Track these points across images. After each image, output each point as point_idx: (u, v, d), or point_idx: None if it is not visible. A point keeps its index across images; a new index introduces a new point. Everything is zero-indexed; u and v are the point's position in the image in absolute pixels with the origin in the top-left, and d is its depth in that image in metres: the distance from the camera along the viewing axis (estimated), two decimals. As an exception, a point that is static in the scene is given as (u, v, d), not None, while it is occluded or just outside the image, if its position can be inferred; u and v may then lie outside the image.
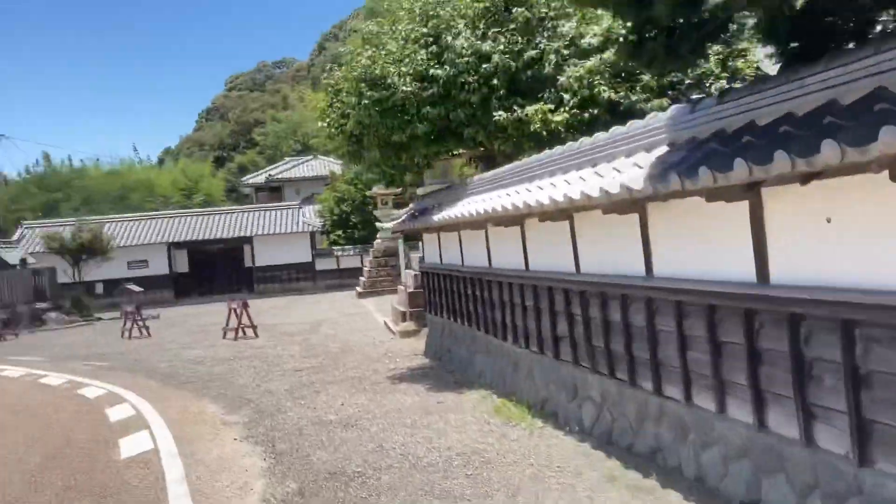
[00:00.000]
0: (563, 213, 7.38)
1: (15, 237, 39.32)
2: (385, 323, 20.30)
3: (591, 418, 7.74)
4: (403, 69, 11.41)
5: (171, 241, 40.33)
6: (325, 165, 52.07)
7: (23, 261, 30.91)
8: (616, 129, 7.06)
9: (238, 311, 20.70)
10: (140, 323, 23.65)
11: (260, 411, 11.18)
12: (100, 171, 71.21)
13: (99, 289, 37.73)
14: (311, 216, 43.47)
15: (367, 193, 34.89)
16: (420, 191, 20.12)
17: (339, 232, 42.75)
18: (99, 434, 10.65)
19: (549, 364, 8.81)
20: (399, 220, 14.14)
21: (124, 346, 21.28)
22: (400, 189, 36.29)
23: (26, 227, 41.59)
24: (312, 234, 41.99)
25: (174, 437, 9.94)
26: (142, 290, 30.05)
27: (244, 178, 57.42)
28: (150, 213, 44.82)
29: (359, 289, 32.40)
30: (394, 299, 27.38)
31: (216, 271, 41.58)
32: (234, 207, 46.27)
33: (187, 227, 41.37)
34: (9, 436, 11.03)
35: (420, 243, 18.72)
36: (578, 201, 6.42)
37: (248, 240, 41.14)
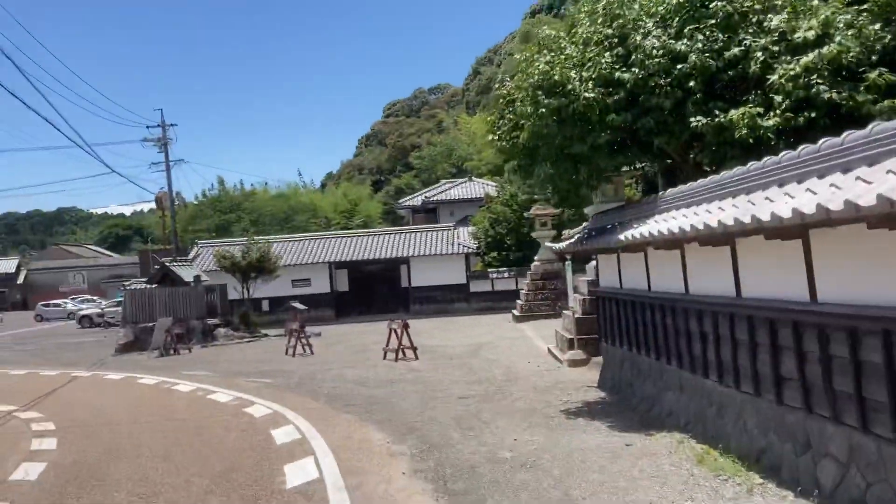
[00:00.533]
0: (794, 230, 6.09)
1: (191, 255, 41.59)
2: (549, 350, 19.18)
3: (832, 480, 6.31)
4: (585, 74, 10.39)
5: (332, 260, 41.19)
6: (479, 187, 51.81)
7: (196, 277, 32.32)
8: (854, 133, 5.74)
9: (398, 332, 20.29)
10: (304, 340, 23.85)
11: (427, 442, 10.41)
12: (268, 194, 75.00)
13: (265, 306, 39.07)
14: (465, 238, 43.12)
15: (525, 214, 34.01)
16: (589, 210, 18.96)
17: (494, 254, 42.07)
18: (265, 458, 10.25)
19: (769, 409, 7.41)
20: (570, 241, 13.07)
21: (288, 364, 21.41)
22: (559, 210, 35.22)
23: (201, 246, 43.95)
24: (467, 256, 41.59)
25: (340, 468, 9.33)
26: (306, 308, 30.55)
27: (401, 201, 58.27)
28: (314, 234, 46.14)
29: (515, 312, 31.45)
30: (555, 324, 26.19)
31: (374, 291, 42.04)
32: (391, 229, 46.83)
33: (348, 248, 42.17)
34: (179, 455, 10.87)
35: (592, 266, 17.53)
36: (814, 216, 5.19)
37: (405, 260, 41.33)
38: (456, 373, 17.06)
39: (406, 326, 20.19)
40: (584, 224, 14.52)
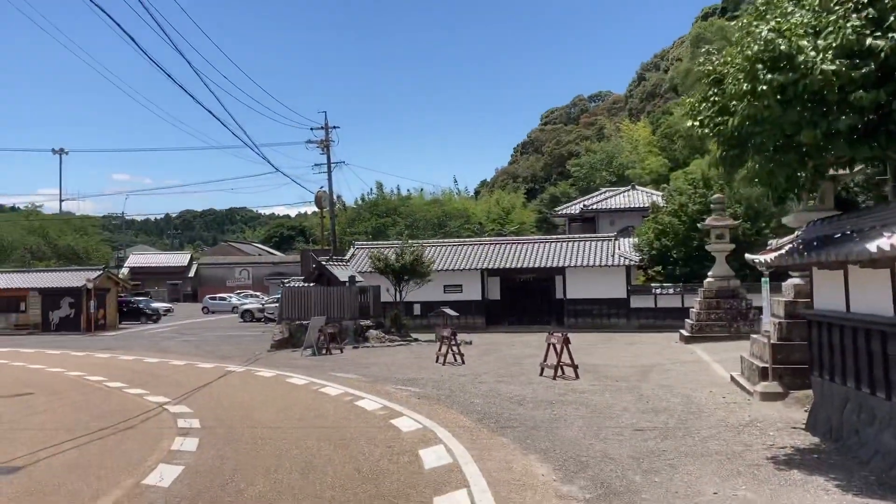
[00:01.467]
0: None
1: (347, 256, 41.70)
2: (732, 378, 16.75)
3: None
4: (822, 42, 8.28)
5: (485, 267, 39.94)
6: (643, 196, 48.98)
7: (351, 278, 31.99)
8: None
9: (558, 346, 18.52)
10: (454, 348, 22.59)
11: (602, 484, 8.64)
12: (423, 199, 75.39)
13: (416, 310, 38.42)
14: (627, 249, 40.57)
15: (699, 225, 31.19)
16: (788, 220, 16.41)
17: (658, 268, 39.29)
18: (412, 485, 8.87)
19: None
20: (780, 252, 10.83)
21: (438, 373, 20.17)
22: (738, 221, 32.11)
23: (357, 247, 44.07)
24: (628, 269, 39.01)
25: (499, 509, 7.78)
26: (457, 314, 29.41)
27: (557, 209, 56.28)
28: (467, 240, 45.15)
29: (684, 332, 28.76)
30: (731, 347, 23.46)
31: (526, 300, 40.36)
32: (547, 237, 44.96)
33: (501, 255, 40.79)
34: (319, 472, 9.72)
35: (791, 284, 15.05)
36: None
37: (561, 270, 39.37)
38: (625, 398, 15.07)
39: (567, 341, 18.39)
40: (795, 233, 12.21)
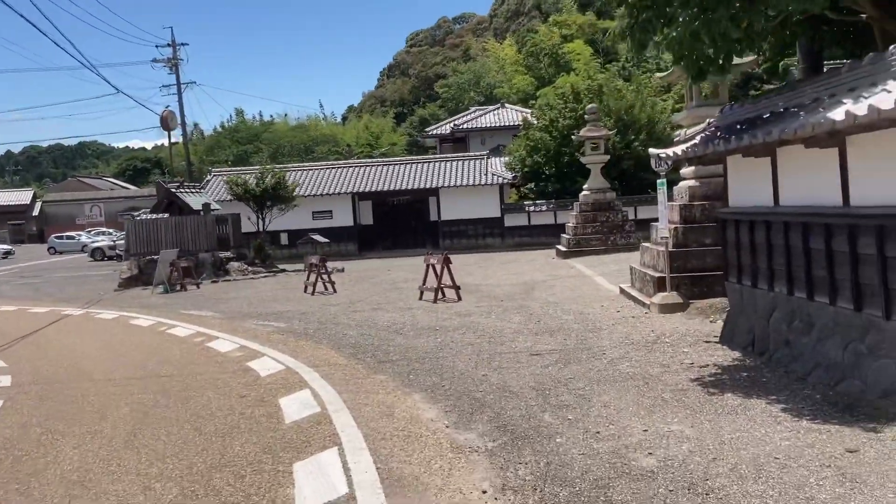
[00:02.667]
0: None
1: (203, 185, 37.99)
2: (622, 290, 15.54)
3: None
4: None
5: (355, 191, 37.49)
6: (513, 114, 47.61)
7: (206, 206, 28.79)
8: None
9: (438, 268, 16.72)
10: (325, 277, 20.38)
11: (506, 428, 6.88)
12: (287, 125, 71.32)
13: (283, 239, 35.67)
14: (499, 168, 39.20)
15: (573, 136, 29.94)
16: (680, 117, 15.08)
17: (531, 185, 38.20)
18: (268, 449, 6.78)
19: None
20: (692, 144, 9.25)
21: (307, 304, 17.97)
22: (613, 131, 31.12)
23: (214, 175, 40.37)
24: (501, 187, 37.71)
25: (380, 474, 5.85)
26: (327, 241, 27.14)
27: (427, 129, 54.10)
28: (335, 163, 42.36)
29: (560, 247, 27.73)
30: (611, 260, 22.53)
31: (400, 224, 38.40)
32: (418, 158, 42.78)
33: (372, 178, 38.41)
34: (149, 438, 7.44)
35: (685, 187, 13.78)
36: None
37: (434, 192, 37.54)
38: (515, 318, 13.48)
39: (447, 261, 16.60)
40: (707, 122, 10.71)
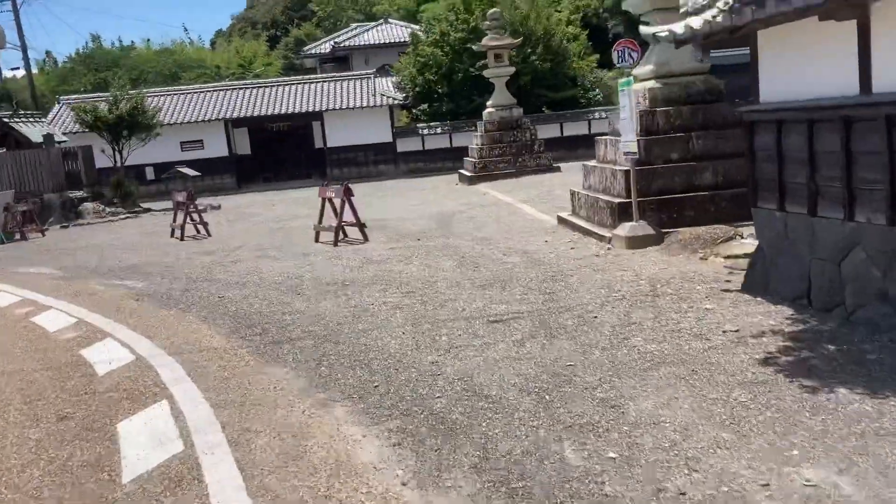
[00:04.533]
0: None
1: (49, 117, 32.15)
2: (562, 220, 12.73)
3: None
4: None
5: (229, 117, 32.81)
6: (399, 30, 43.48)
7: (48, 137, 23.75)
8: None
9: (337, 202, 13.35)
10: (196, 217, 16.53)
11: (518, 496, 3.88)
12: (150, 50, 63.97)
13: (149, 174, 30.78)
14: (388, 88, 35.42)
15: (474, 47, 26.51)
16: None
17: (424, 106, 34.76)
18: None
19: None
20: (720, 11, 6.23)
21: (174, 253, 14.22)
22: (519, 39, 27.91)
23: (63, 104, 34.44)
24: (391, 109, 34.06)
25: None
26: (198, 174, 23.00)
27: (306, 48, 49.06)
28: (204, 86, 37.16)
29: (465, 172, 24.69)
30: (524, 184, 19.75)
31: (282, 153, 34.18)
32: (298, 78, 38.09)
33: (247, 102, 33.73)
34: None
35: (664, 88, 10.95)
36: None
37: (318, 116, 33.40)
38: (444, 264, 10.38)
39: (349, 193, 13.22)
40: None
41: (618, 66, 9.57)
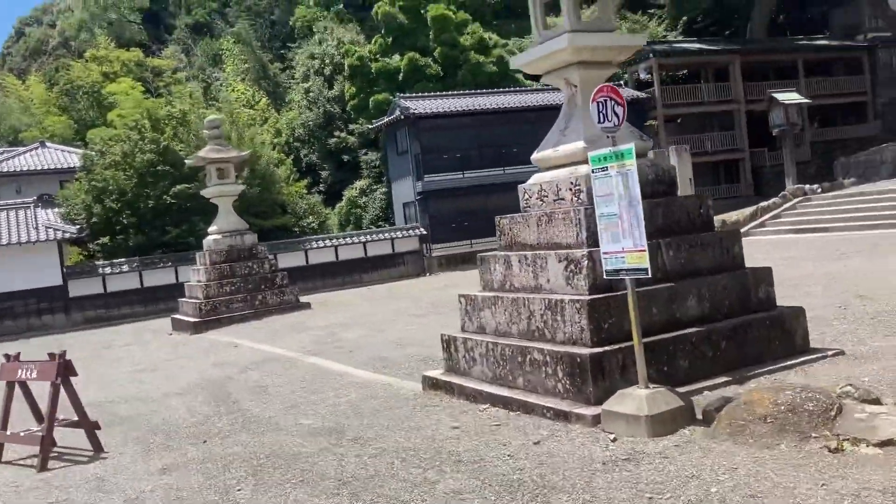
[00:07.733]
0: None
1: None
2: (434, 383, 8.07)
3: None
4: None
5: None
6: (59, 155, 35.45)
7: None
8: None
9: (49, 391, 7.13)
10: None
11: None
12: None
13: None
14: (54, 220, 27.52)
15: (188, 161, 20.76)
16: (533, 56, 8.50)
17: (104, 240, 27.48)
18: None
19: None
20: None
21: None
22: (248, 152, 22.76)
23: None
24: (60, 245, 26.25)
25: None
26: None
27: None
28: None
29: (185, 317, 18.46)
30: (300, 328, 14.54)
31: None
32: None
33: None
34: None
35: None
36: None
37: (-47, 256, 24.33)
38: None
39: (67, 372, 7.12)
40: None
41: (602, 128, 5.76)
